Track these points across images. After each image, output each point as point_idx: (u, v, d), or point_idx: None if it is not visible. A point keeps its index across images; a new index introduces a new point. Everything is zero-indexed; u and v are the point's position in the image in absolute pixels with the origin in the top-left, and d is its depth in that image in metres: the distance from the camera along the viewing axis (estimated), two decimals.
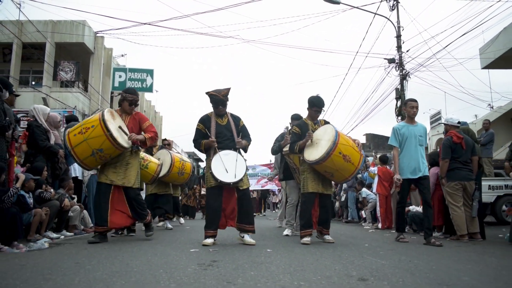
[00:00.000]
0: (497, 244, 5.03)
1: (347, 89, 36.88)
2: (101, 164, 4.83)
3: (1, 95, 4.63)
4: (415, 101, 5.28)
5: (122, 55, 24.67)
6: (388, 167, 8.03)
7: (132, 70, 19.54)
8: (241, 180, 4.54)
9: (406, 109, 5.32)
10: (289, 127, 6.04)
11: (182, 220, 8.85)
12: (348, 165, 4.63)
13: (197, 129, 4.80)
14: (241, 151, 4.79)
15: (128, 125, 4.89)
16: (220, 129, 4.75)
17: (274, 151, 6.48)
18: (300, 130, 4.98)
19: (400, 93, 14.06)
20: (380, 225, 7.74)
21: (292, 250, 4.07)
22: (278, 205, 17.44)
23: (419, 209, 6.38)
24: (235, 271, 2.80)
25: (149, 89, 19.21)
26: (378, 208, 7.85)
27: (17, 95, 5.20)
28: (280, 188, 12.82)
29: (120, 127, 4.73)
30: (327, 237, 4.89)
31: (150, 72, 19.20)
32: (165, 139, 8.66)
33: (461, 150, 5.33)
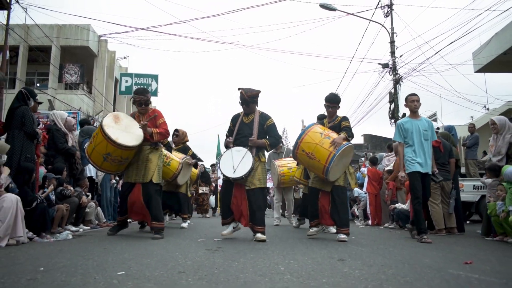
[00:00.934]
0: (471, 238, 5.62)
1: (343, 93, 37.23)
2: (119, 166, 5.01)
3: (28, 103, 5.21)
4: (415, 95, 5.25)
5: (124, 57, 25.21)
6: (376, 167, 8.63)
7: (138, 75, 20.21)
8: (240, 179, 4.57)
9: (407, 104, 5.27)
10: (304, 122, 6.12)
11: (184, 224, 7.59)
12: (314, 163, 4.68)
13: (229, 127, 5.07)
14: (255, 150, 4.77)
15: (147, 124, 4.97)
16: (242, 127, 4.90)
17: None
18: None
19: (393, 97, 14.66)
20: (370, 222, 8.34)
21: (286, 240, 4.68)
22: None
23: (405, 206, 6.98)
24: (237, 254, 3.40)
25: (154, 93, 19.85)
26: (368, 206, 8.46)
27: (40, 103, 5.76)
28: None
29: (128, 127, 4.85)
30: (341, 236, 4.72)
31: (155, 77, 19.87)
32: (176, 130, 8.27)
33: (439, 153, 5.93)
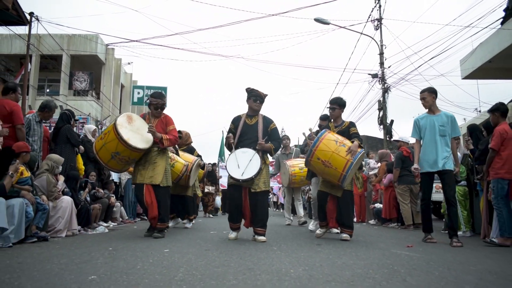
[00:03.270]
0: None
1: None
2: (125, 166, 5.20)
3: (70, 122, 6.38)
4: (423, 91, 5.03)
5: (129, 63, 26.43)
6: (363, 172, 9.83)
7: (149, 88, 21.66)
8: (250, 180, 4.57)
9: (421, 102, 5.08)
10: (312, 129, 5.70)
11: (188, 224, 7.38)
12: (330, 170, 4.68)
13: (229, 128, 5.06)
14: (261, 153, 4.77)
15: (156, 127, 5.04)
16: (246, 129, 4.90)
17: (301, 150, 7.45)
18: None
19: (382, 105, 15.85)
20: (355, 219, 9.53)
21: (280, 232, 5.87)
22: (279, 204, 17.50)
23: (381, 205, 8.15)
24: (247, 255, 4.57)
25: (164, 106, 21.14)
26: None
27: (76, 120, 6.93)
28: (280, 186, 13.70)
29: (139, 129, 4.96)
30: (343, 235, 4.91)
31: (164, 89, 21.13)
32: (179, 133, 8.32)
33: (409, 161, 7.11)
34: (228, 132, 5.01)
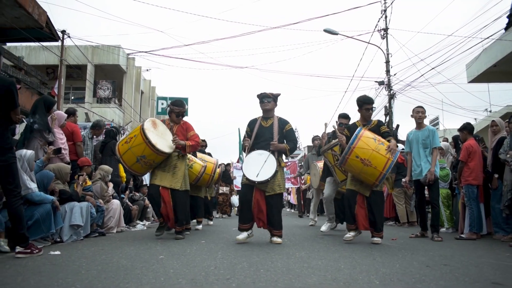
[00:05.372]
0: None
1: (345, 108, 39.83)
2: (148, 169, 5.31)
3: (116, 139, 7.55)
4: (421, 107, 5.76)
5: (147, 70, 27.83)
6: None
7: (172, 99, 22.78)
8: (265, 182, 4.62)
9: (413, 115, 5.74)
10: (336, 126, 5.56)
11: (210, 222, 8.37)
12: (369, 169, 4.56)
13: (245, 131, 5.12)
14: (277, 154, 4.80)
15: (176, 133, 5.27)
16: (262, 131, 4.95)
17: (317, 152, 6.76)
18: (349, 132, 5.05)
19: (388, 110, 16.79)
20: None
21: (300, 234, 6.95)
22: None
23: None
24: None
25: (185, 113, 22.58)
26: None
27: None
28: (297, 186, 14.09)
29: (163, 134, 5.15)
30: (375, 238, 4.76)
31: (185, 100, 22.39)
32: (203, 140, 8.56)
33: (403, 167, 8.11)
34: (245, 136, 5.10)
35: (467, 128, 5.90)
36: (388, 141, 4.73)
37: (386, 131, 4.98)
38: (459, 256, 3.87)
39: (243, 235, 4.75)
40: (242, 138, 5.09)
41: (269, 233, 4.95)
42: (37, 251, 3.54)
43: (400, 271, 2.95)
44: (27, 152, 4.14)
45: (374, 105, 5.23)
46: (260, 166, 4.66)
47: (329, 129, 6.29)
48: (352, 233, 4.89)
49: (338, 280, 2.60)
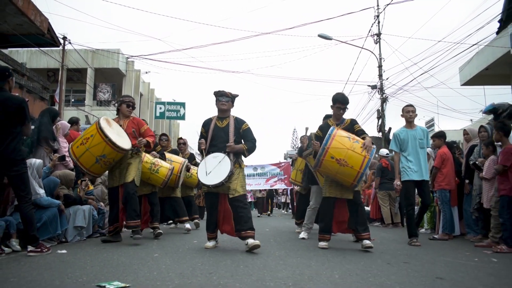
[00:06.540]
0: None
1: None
2: (106, 169, 5.20)
3: None
4: (411, 105, 5.53)
5: (146, 72, 28.31)
6: None
7: (169, 103, 24.24)
8: (220, 185, 4.38)
9: (403, 114, 5.52)
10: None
11: (187, 225, 6.99)
12: (346, 169, 4.39)
13: (200, 132, 4.91)
14: (233, 156, 4.58)
15: (127, 128, 5.18)
16: (217, 132, 4.72)
17: (299, 154, 6.52)
18: (322, 133, 4.88)
19: (380, 114, 17.27)
20: None
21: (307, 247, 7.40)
22: (289, 206, 17.62)
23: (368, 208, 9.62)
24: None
25: (182, 117, 23.93)
26: None
27: None
28: (290, 188, 14.11)
29: (119, 132, 5.04)
30: (365, 242, 4.57)
31: (183, 104, 23.17)
32: (180, 138, 8.64)
33: (387, 171, 8.59)
34: (200, 137, 4.85)
35: (441, 136, 6.39)
36: (363, 138, 4.61)
37: (360, 129, 4.87)
38: (422, 255, 4.34)
39: (211, 243, 4.69)
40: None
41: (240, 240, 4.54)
42: (46, 250, 4.00)
43: (362, 267, 3.42)
44: (36, 161, 4.62)
45: (347, 106, 4.95)
46: (213, 169, 4.49)
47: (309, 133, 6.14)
48: (326, 243, 4.74)
49: (303, 274, 3.06)
